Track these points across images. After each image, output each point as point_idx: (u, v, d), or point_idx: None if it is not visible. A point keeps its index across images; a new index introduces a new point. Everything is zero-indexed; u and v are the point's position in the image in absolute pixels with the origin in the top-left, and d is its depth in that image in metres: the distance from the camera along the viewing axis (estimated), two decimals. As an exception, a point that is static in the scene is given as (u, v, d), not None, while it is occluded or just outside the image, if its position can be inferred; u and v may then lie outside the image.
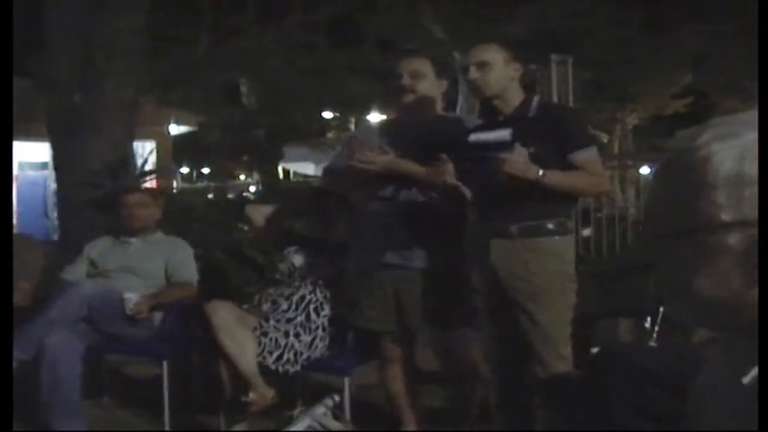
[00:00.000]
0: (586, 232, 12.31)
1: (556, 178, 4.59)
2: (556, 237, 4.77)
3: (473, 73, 4.84)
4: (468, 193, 4.77)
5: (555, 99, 11.25)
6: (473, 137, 4.83)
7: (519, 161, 4.50)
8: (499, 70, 4.81)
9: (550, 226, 4.74)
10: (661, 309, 6.04)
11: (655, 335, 6.11)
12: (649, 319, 6.28)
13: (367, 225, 5.45)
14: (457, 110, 6.85)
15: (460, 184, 4.71)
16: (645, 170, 17.90)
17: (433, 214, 5.07)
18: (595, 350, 5.93)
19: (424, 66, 5.29)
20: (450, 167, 4.70)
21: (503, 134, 4.65)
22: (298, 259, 6.18)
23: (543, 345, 4.73)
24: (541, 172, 4.52)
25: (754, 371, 1.49)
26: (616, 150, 27.81)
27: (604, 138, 30.48)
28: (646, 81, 26.84)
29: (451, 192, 4.75)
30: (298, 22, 23.36)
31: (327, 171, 5.90)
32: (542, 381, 4.74)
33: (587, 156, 4.71)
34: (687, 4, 21.67)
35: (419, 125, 5.26)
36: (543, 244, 4.75)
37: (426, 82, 5.27)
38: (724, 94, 28.18)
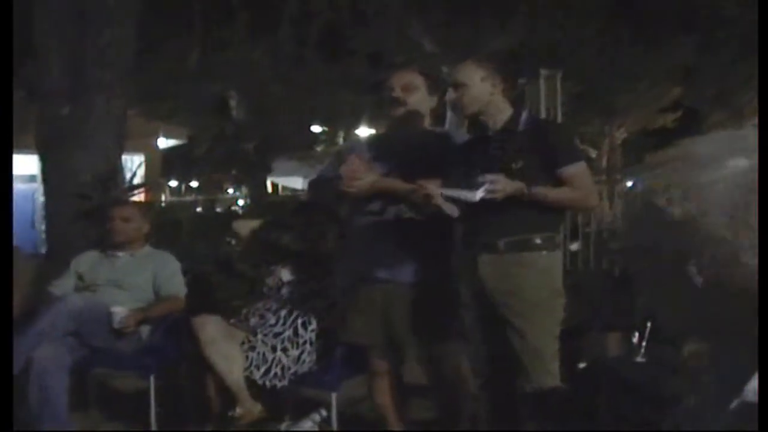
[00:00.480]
0: (575, 246, 12.33)
1: (542, 193, 4.61)
2: (544, 252, 4.77)
3: (451, 94, 4.93)
4: (454, 211, 4.78)
5: (544, 112, 11.28)
6: (445, 192, 4.74)
7: (497, 188, 4.51)
8: (476, 89, 4.84)
9: (538, 240, 4.75)
10: (649, 324, 6.04)
11: (642, 350, 6.10)
12: (637, 333, 6.27)
13: (355, 239, 5.45)
14: (446, 125, 6.82)
15: (441, 205, 4.72)
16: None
17: (421, 229, 5.06)
18: (582, 365, 5.94)
19: (417, 80, 5.29)
20: (432, 188, 4.72)
21: (471, 195, 4.62)
22: (285, 274, 6.18)
23: (530, 360, 4.72)
24: (525, 191, 4.56)
25: (751, 385, 1.50)
26: (604, 164, 27.83)
27: (593, 152, 30.52)
28: (634, 95, 26.84)
29: (435, 210, 4.77)
30: (288, 35, 23.35)
31: (313, 183, 5.89)
32: (530, 395, 4.74)
33: (576, 170, 4.72)
34: (676, 18, 21.73)
35: (408, 139, 5.26)
36: (530, 258, 4.75)
37: (417, 96, 5.27)
38: (713, 108, 28.22)
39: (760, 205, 1.39)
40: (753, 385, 1.51)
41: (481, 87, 4.82)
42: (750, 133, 1.55)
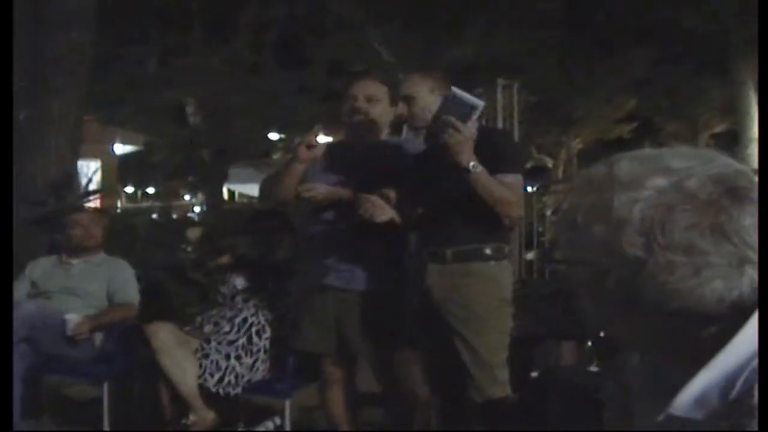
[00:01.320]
0: (530, 255, 12.40)
1: (484, 178, 4.58)
2: (492, 262, 4.77)
3: (401, 108, 4.95)
4: (398, 218, 4.82)
5: (500, 122, 11.33)
6: (456, 90, 4.63)
7: (465, 136, 4.50)
8: (423, 101, 4.84)
9: (487, 251, 4.75)
10: (602, 333, 6.09)
11: (596, 358, 6.14)
12: (590, 342, 6.32)
13: (309, 247, 5.46)
14: (402, 134, 6.83)
15: (388, 217, 4.76)
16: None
17: (374, 238, 5.07)
18: (535, 374, 5.97)
19: (380, 91, 5.26)
20: (377, 202, 4.75)
21: (480, 101, 4.64)
22: (240, 281, 6.18)
23: (478, 369, 4.73)
24: (472, 164, 4.53)
25: (679, 400, 1.54)
26: (560, 174, 28.02)
27: (549, 162, 30.70)
28: (590, 105, 27.08)
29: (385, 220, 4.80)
30: (245, 42, 23.32)
31: (263, 183, 5.86)
32: (479, 405, 4.76)
33: (511, 180, 4.74)
34: (631, 30, 21.89)
35: (364, 149, 5.27)
36: (478, 268, 4.76)
37: (380, 107, 5.23)
38: (668, 119, 28.48)
39: (760, 205, 1.44)
40: (681, 399, 1.55)
41: (429, 99, 4.83)
42: (666, 153, 1.60)
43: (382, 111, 5.27)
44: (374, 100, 5.23)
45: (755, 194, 1.55)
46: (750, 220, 1.52)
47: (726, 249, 1.50)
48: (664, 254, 1.50)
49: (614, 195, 1.54)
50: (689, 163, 1.57)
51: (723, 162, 1.59)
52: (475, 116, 4.57)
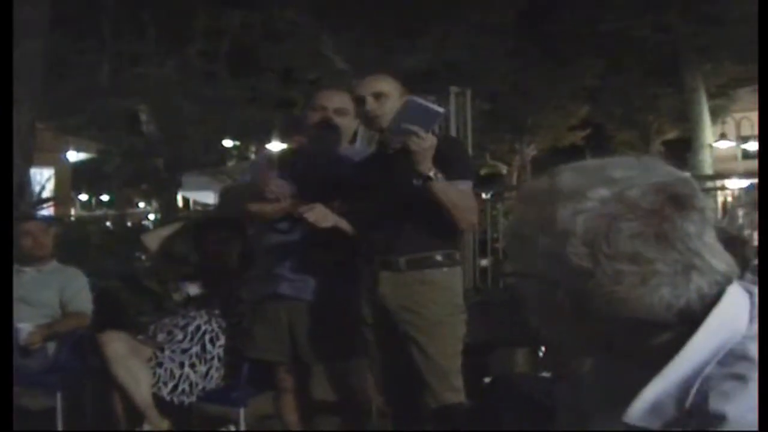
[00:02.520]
0: (484, 262, 12.42)
1: (443, 186, 4.60)
2: (444, 269, 4.79)
3: (370, 103, 4.86)
4: (346, 226, 4.85)
5: (454, 130, 11.33)
6: (413, 98, 4.59)
7: (427, 141, 4.50)
8: (394, 101, 4.82)
9: (438, 257, 4.77)
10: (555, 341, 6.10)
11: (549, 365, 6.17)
12: (543, 348, 6.34)
13: (261, 256, 5.47)
14: (357, 143, 6.81)
15: (331, 223, 4.79)
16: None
17: (326, 247, 5.08)
18: (488, 380, 5.99)
19: (348, 104, 5.21)
20: (320, 209, 4.79)
21: (440, 108, 4.65)
22: (193, 289, 6.17)
23: (433, 376, 4.75)
24: (433, 172, 4.54)
25: (635, 408, 1.56)
26: (515, 181, 28.13)
27: (503, 168, 30.82)
28: (543, 113, 27.22)
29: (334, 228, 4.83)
30: (199, 50, 23.28)
31: (223, 190, 5.88)
32: (434, 411, 4.77)
33: (465, 188, 4.76)
34: (582, 39, 22.05)
35: (317, 158, 5.27)
36: (430, 275, 4.77)
37: (347, 119, 5.24)
38: (620, 126, 28.67)
39: (760, 206, 1.49)
40: (635, 409, 1.58)
41: (399, 100, 4.82)
42: (608, 164, 1.63)
43: (349, 123, 5.30)
44: (343, 113, 5.21)
45: (698, 201, 1.58)
46: (693, 227, 1.55)
47: (671, 256, 1.53)
48: (611, 264, 1.53)
49: (557, 207, 1.57)
50: (630, 173, 1.59)
51: (665, 171, 1.62)
52: (435, 124, 4.59)
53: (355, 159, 5.26)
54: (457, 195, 4.67)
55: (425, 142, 4.48)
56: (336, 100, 5.26)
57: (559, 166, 1.67)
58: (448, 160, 4.71)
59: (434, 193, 4.57)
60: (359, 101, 4.92)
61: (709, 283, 1.56)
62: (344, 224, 4.87)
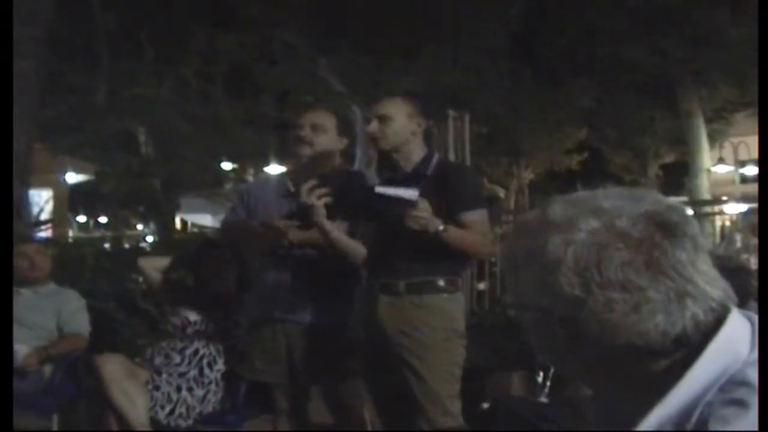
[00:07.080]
0: (481, 285, 12.40)
1: (454, 234, 4.63)
2: (445, 294, 4.80)
3: (373, 126, 4.89)
4: (358, 251, 4.84)
5: (452, 154, 11.33)
6: (380, 189, 4.69)
7: (423, 215, 4.52)
8: (400, 124, 4.84)
9: (440, 283, 4.78)
10: (552, 369, 6.10)
11: (546, 390, 6.17)
12: (541, 373, 6.34)
13: (259, 279, 5.45)
14: (356, 164, 6.82)
15: (343, 247, 4.80)
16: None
17: (325, 271, 5.07)
18: (485, 405, 5.98)
19: (328, 121, 5.22)
20: (334, 234, 4.85)
21: (411, 193, 4.61)
22: (192, 314, 6.15)
23: (428, 401, 4.74)
24: (441, 227, 4.56)
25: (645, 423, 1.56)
26: (512, 205, 28.13)
27: (501, 192, 30.83)
28: (539, 136, 27.24)
29: (337, 250, 4.83)
30: (196, 71, 23.30)
31: (224, 226, 5.87)
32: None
33: (477, 217, 4.76)
34: (577, 62, 22.10)
35: (317, 179, 5.24)
36: (430, 301, 4.78)
37: (326, 136, 5.19)
38: (616, 150, 28.69)
39: (760, 206, 1.51)
40: None
41: (405, 123, 4.84)
42: (598, 195, 1.65)
43: (329, 140, 5.24)
44: (320, 129, 5.19)
45: (689, 228, 1.60)
46: (685, 254, 1.57)
47: (664, 284, 1.54)
48: (603, 292, 1.54)
49: (548, 238, 1.59)
50: (620, 202, 1.61)
51: (653, 199, 1.64)
52: (411, 205, 4.57)
53: (362, 181, 5.23)
54: (469, 236, 4.72)
55: (420, 218, 4.52)
56: (311, 117, 5.26)
57: (551, 197, 1.69)
58: (459, 189, 4.73)
59: (448, 244, 4.60)
60: (366, 122, 4.96)
61: (704, 310, 1.57)
62: (360, 247, 4.89)
